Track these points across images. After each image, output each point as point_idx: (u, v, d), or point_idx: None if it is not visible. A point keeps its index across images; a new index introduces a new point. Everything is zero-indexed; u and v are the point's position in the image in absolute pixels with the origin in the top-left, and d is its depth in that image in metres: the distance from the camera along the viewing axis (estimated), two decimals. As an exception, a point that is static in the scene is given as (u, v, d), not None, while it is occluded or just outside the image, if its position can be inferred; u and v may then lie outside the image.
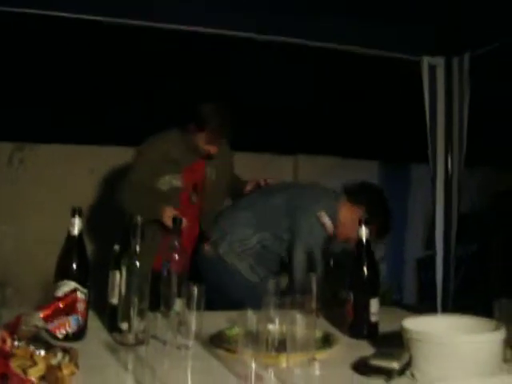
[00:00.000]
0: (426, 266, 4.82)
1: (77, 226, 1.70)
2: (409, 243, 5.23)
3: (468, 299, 3.82)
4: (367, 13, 2.89)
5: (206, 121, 2.99)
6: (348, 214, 2.77)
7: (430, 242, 4.28)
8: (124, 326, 1.64)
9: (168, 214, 2.81)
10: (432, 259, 3.64)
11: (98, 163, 4.44)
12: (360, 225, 1.91)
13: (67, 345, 1.44)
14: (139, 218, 1.70)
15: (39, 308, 1.44)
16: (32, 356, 1.31)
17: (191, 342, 1.59)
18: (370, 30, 3.05)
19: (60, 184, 4.29)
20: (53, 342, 1.46)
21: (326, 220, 2.74)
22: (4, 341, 1.29)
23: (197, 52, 4.48)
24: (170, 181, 3.05)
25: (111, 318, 1.77)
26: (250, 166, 4.30)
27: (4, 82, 4.24)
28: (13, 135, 4.32)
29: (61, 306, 1.51)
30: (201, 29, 3.11)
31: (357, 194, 2.82)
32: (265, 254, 2.85)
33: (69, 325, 1.53)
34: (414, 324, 1.50)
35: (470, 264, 4.71)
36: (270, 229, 2.83)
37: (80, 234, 1.72)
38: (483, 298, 4.19)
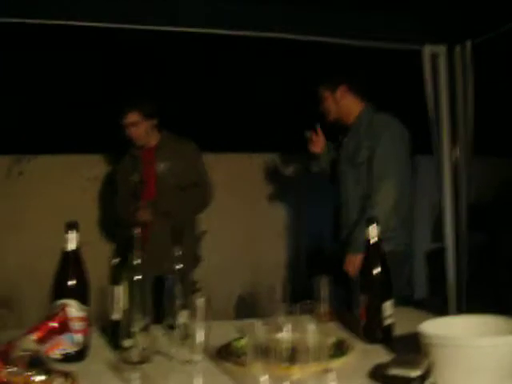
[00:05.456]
0: (434, 259, 4.75)
1: (72, 242, 1.61)
2: (417, 236, 5.15)
3: (478, 292, 3.74)
4: (366, 3, 2.81)
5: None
6: None
7: (437, 235, 4.21)
8: (127, 343, 1.56)
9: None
10: (440, 252, 3.56)
11: (97, 172, 4.39)
12: (370, 223, 1.82)
13: (67, 368, 1.37)
14: (136, 230, 1.62)
15: (31, 330, 1.36)
16: (29, 382, 1.24)
17: (198, 356, 1.52)
18: (369, 20, 2.97)
19: (59, 194, 4.24)
20: (52, 366, 1.38)
21: None
22: (-4, 369, 1.21)
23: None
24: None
25: (114, 335, 1.69)
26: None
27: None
28: (10, 148, 4.27)
29: (53, 325, 1.43)
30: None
31: None
32: None
33: (63, 344, 1.45)
34: (433, 327, 1.42)
35: (479, 256, 4.62)
36: None
37: (76, 249, 1.63)
38: (494, 291, 4.11)
